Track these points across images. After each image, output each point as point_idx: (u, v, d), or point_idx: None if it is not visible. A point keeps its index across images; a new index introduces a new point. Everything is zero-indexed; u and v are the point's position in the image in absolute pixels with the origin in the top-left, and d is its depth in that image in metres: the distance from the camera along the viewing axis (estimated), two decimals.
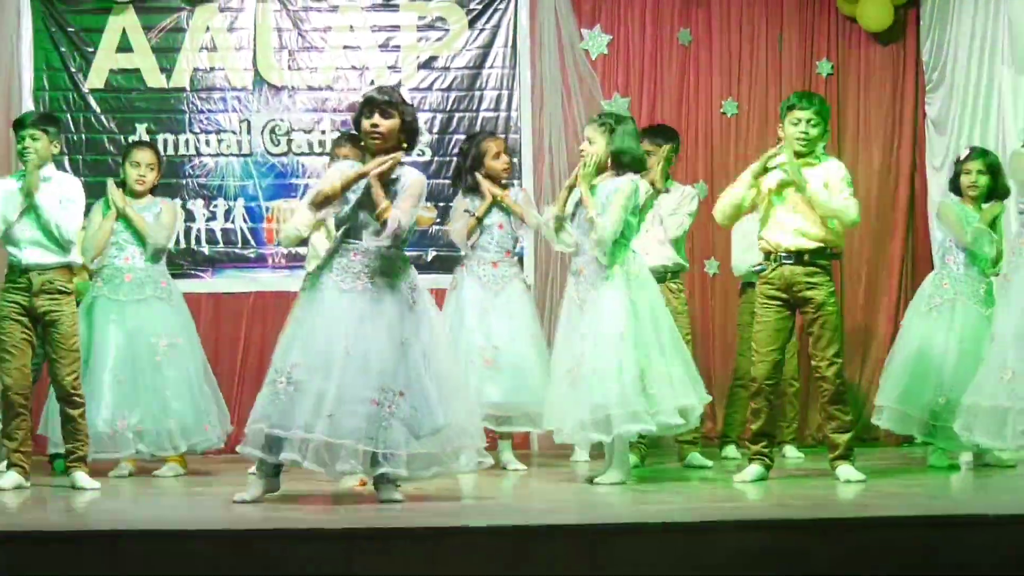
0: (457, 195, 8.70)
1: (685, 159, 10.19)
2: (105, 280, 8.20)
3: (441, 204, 10.02)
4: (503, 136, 9.15)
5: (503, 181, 8.56)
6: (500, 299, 8.49)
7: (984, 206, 8.11)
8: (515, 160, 9.96)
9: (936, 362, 8.01)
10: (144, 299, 8.21)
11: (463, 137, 10.00)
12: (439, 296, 8.61)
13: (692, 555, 4.89)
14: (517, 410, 8.32)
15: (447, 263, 9.55)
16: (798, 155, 7.24)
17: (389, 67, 10.46)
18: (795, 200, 7.20)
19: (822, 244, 7.21)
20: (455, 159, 9.08)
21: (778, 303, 7.25)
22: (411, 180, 6.37)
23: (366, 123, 6.34)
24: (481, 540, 5.02)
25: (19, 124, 7.42)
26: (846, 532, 5.17)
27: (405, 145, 6.43)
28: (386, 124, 6.32)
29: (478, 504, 6.48)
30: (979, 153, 8.36)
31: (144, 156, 8.37)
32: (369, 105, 6.38)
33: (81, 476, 7.13)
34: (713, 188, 9.94)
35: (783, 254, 7.22)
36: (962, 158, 8.33)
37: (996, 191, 8.14)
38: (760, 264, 7.45)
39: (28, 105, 10.11)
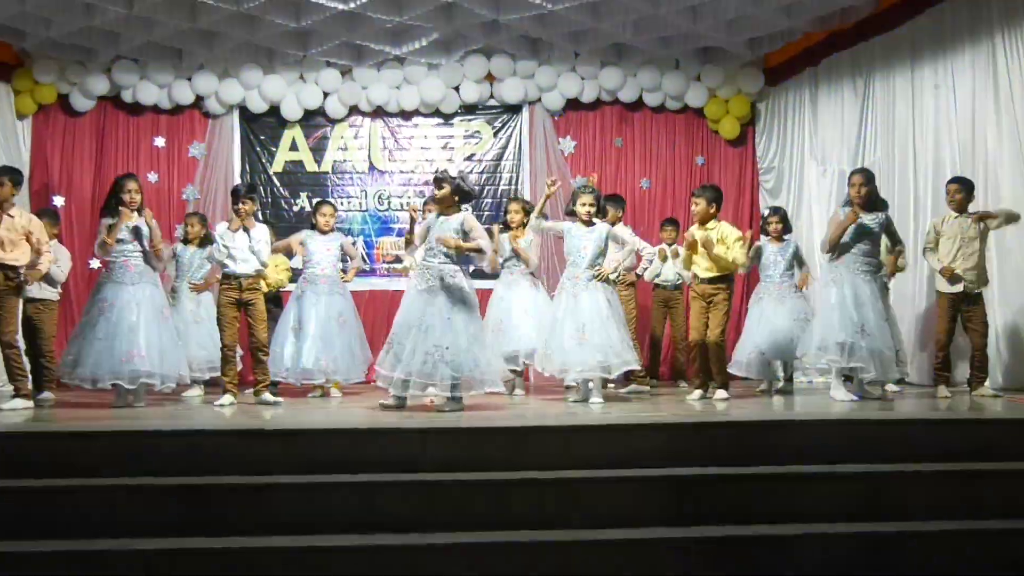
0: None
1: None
2: (310, 280, 7.85)
3: None
4: (522, 200, 8.46)
5: (513, 227, 7.90)
6: (510, 292, 7.91)
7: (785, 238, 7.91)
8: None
9: (768, 332, 7.68)
10: (330, 294, 7.90)
11: (490, 201, 10.14)
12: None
13: (621, 442, 4.91)
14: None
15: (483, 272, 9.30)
16: (701, 224, 7.09)
17: (447, 160, 10.36)
18: (703, 253, 7.05)
19: (719, 274, 7.06)
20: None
21: (701, 301, 7.08)
22: (470, 220, 6.30)
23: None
24: (499, 434, 5.04)
25: (236, 192, 7.18)
26: (714, 429, 5.18)
27: (457, 200, 6.34)
28: (440, 192, 6.30)
29: (501, 412, 6.34)
30: (778, 209, 8.17)
31: (327, 209, 8.03)
32: (435, 182, 6.40)
33: (268, 395, 6.97)
34: (635, 230, 9.68)
35: (701, 278, 7.08)
36: (767, 215, 8.09)
37: (788, 230, 7.95)
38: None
39: (237, 182, 10.05)
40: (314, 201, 9.09)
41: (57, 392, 7.49)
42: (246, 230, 6.99)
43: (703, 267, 7.07)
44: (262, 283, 7.26)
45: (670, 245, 8.66)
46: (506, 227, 7.97)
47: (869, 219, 6.56)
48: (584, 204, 6.94)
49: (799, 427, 5.10)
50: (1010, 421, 5.26)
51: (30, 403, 6.55)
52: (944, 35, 8.22)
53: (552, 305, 7.15)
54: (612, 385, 7.94)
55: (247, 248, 6.98)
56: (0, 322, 6.48)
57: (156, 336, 6.66)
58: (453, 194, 6.32)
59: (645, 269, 8.73)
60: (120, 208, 6.70)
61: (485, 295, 7.97)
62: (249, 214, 7.03)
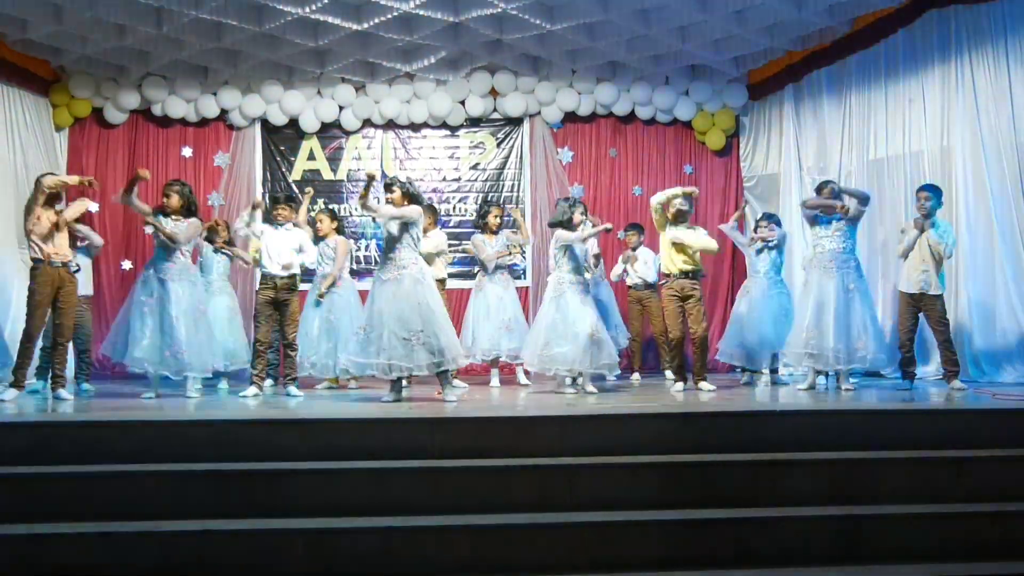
0: (479, 234, 8.19)
1: (615, 220, 10.13)
2: (314, 283, 7.92)
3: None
4: (500, 205, 8.70)
5: (494, 230, 8.11)
6: (508, 293, 8.09)
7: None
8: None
9: (751, 327, 7.80)
10: (328, 293, 7.83)
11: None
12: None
13: (614, 431, 4.93)
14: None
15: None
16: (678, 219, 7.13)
17: (453, 168, 10.39)
18: (680, 250, 7.13)
19: (694, 268, 7.15)
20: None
21: (677, 299, 7.14)
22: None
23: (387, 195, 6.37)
24: (501, 423, 5.05)
25: (276, 200, 7.22)
26: (700, 419, 5.17)
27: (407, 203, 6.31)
28: (393, 196, 6.32)
29: (500, 404, 6.38)
30: (771, 215, 8.25)
31: (320, 215, 8.01)
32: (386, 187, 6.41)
33: (293, 388, 6.90)
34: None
35: (678, 273, 7.13)
36: (758, 219, 8.21)
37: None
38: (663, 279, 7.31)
39: (259, 189, 10.15)
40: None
41: (95, 383, 7.56)
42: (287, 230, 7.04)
43: (681, 260, 7.12)
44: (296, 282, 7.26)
45: (634, 249, 8.73)
46: (484, 229, 8.11)
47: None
48: (582, 213, 7.12)
49: (778, 417, 5.13)
50: (970, 412, 5.27)
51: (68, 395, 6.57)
52: (915, 52, 8.24)
53: (551, 305, 7.08)
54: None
55: (287, 251, 7.01)
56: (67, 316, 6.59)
57: (194, 331, 6.66)
58: (403, 197, 6.36)
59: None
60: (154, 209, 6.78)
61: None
62: (288, 219, 7.10)
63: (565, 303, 6.94)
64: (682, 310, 7.13)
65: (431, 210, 8.05)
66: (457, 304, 9.19)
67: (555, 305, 6.99)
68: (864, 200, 6.92)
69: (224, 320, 7.52)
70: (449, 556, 3.98)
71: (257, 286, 7.31)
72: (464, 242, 9.78)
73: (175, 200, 6.74)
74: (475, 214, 8.76)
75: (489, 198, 10.25)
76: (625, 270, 8.80)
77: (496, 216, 8.17)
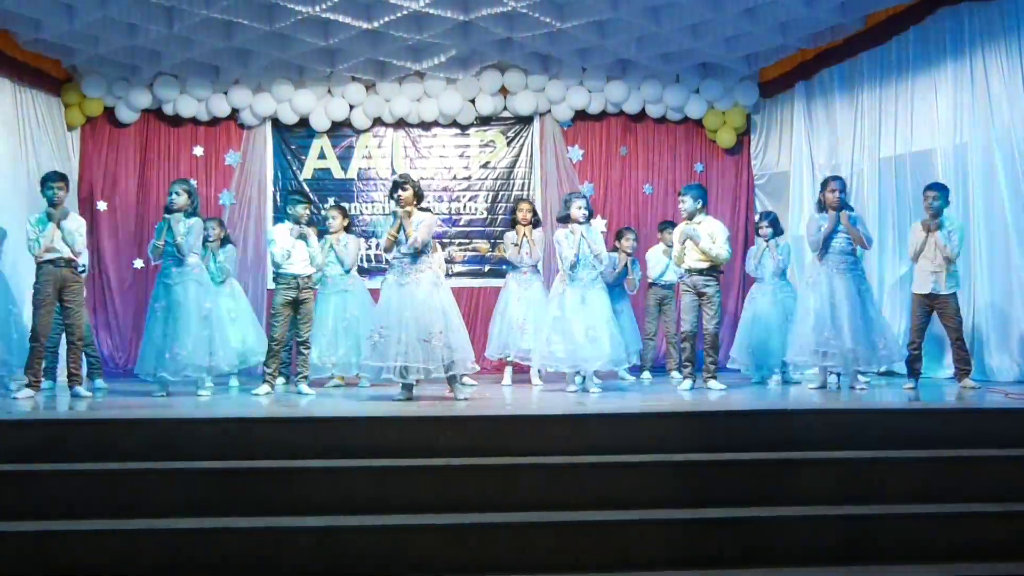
0: (510, 231, 8.11)
1: (625, 218, 10.23)
2: (320, 282, 7.80)
3: (492, 240, 9.99)
4: (529, 200, 8.77)
5: (526, 225, 7.99)
6: (529, 294, 7.95)
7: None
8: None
9: (759, 333, 7.76)
10: (336, 293, 7.91)
11: (503, 206, 10.01)
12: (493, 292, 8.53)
13: (623, 430, 4.91)
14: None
15: (497, 273, 9.42)
16: (690, 218, 7.10)
17: (463, 167, 10.38)
18: (692, 246, 7.06)
19: (710, 265, 7.06)
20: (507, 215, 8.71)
21: (691, 293, 7.10)
22: (423, 218, 6.27)
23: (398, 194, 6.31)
24: (511, 422, 5.05)
25: (298, 200, 7.25)
26: (709, 418, 5.14)
27: (415, 201, 6.33)
28: (404, 194, 6.28)
29: (510, 402, 6.35)
30: (768, 214, 8.19)
31: (332, 212, 8.14)
32: (395, 185, 6.38)
33: (304, 386, 6.90)
34: (639, 232, 9.70)
35: (693, 269, 7.09)
36: (757, 219, 8.17)
37: (778, 232, 8.02)
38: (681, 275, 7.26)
39: (270, 188, 10.19)
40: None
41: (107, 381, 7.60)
42: (303, 236, 7.03)
43: (694, 258, 7.07)
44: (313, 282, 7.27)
45: (671, 246, 8.63)
46: (515, 223, 8.05)
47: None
48: (580, 208, 7.02)
49: (789, 416, 5.10)
50: (983, 411, 5.24)
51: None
52: (928, 50, 8.19)
53: (554, 303, 7.06)
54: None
55: (305, 251, 7.03)
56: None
57: (200, 332, 6.68)
58: (414, 196, 6.37)
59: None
60: (165, 215, 6.76)
61: (491, 293, 8.08)
62: (307, 217, 7.15)
63: (564, 301, 6.94)
64: (697, 304, 7.10)
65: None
66: (464, 306, 9.16)
67: (555, 303, 7.02)
68: (867, 244, 6.93)
69: (226, 321, 7.47)
70: (457, 554, 3.97)
71: (273, 285, 7.31)
72: (475, 240, 9.80)
73: (184, 199, 6.74)
74: (507, 212, 8.77)
75: (500, 196, 10.27)
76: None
77: (524, 211, 8.03)
